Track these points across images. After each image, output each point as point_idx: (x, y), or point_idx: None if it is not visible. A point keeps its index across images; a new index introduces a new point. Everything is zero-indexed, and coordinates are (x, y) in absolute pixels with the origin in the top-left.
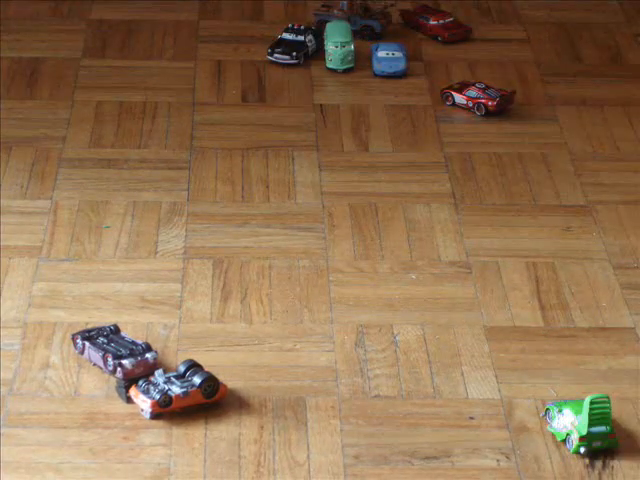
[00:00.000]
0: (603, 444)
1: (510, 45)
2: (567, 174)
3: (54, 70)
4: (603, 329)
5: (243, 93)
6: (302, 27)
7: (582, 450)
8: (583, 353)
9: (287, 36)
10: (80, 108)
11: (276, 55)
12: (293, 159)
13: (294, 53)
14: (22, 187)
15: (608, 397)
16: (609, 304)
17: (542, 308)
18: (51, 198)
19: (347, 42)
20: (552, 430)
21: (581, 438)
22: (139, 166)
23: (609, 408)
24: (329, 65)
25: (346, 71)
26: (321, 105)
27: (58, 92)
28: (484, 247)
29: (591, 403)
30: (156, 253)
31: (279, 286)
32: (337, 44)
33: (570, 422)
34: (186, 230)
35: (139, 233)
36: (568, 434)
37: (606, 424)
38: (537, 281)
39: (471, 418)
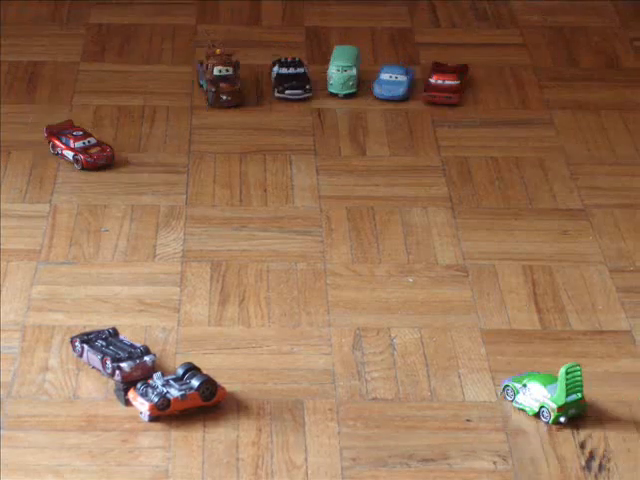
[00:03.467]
0: (577, 411)
1: (507, 49)
2: (563, 178)
3: (53, 74)
4: (599, 332)
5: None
6: (296, 59)
7: (562, 420)
8: (579, 356)
9: (285, 71)
10: (79, 112)
11: (288, 92)
12: (291, 163)
13: (307, 86)
14: (21, 191)
15: (579, 365)
16: (605, 307)
17: (539, 311)
18: (50, 202)
19: (349, 66)
20: (520, 406)
21: (559, 408)
22: (138, 170)
23: (581, 375)
24: (330, 89)
25: (347, 96)
26: (319, 109)
27: (57, 96)
28: (481, 250)
29: (566, 373)
30: (155, 256)
31: (277, 289)
32: (338, 68)
33: (542, 395)
34: (184, 233)
35: (137, 236)
36: (542, 406)
37: (579, 391)
38: (534, 284)
39: (468, 420)
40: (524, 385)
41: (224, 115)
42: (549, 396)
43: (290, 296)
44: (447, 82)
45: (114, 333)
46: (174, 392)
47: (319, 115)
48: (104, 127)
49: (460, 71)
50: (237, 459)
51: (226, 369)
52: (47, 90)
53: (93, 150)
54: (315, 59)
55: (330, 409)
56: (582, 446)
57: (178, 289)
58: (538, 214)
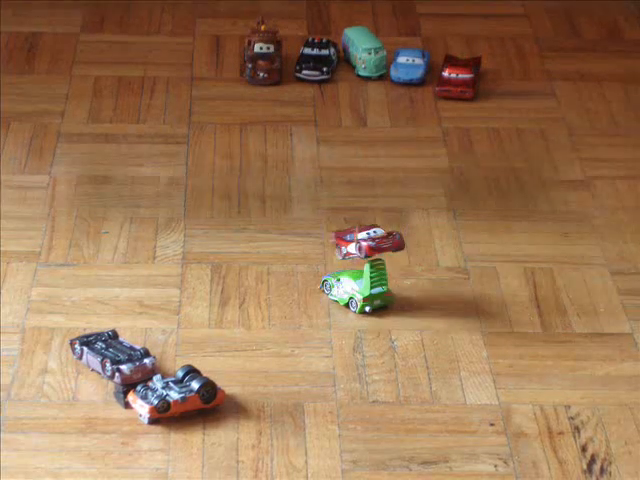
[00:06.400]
0: (382, 302)
1: (508, 20)
2: (565, 149)
3: (53, 45)
4: (601, 335)
5: (241, 68)
6: (323, 40)
7: (367, 309)
8: (581, 359)
9: (309, 51)
10: (78, 83)
11: (305, 72)
12: (291, 134)
13: (325, 68)
14: (20, 162)
15: (383, 260)
16: (607, 310)
17: (540, 314)
18: (49, 173)
19: (380, 48)
20: (334, 298)
21: (365, 299)
22: (137, 140)
23: (385, 270)
24: (362, 73)
25: (380, 77)
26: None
27: (56, 67)
28: (482, 252)
29: (370, 267)
30: (154, 258)
31: (277, 291)
32: (370, 51)
33: (350, 287)
34: (184, 235)
35: (137, 238)
36: (351, 298)
37: (383, 285)
38: (535, 287)
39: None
40: (338, 279)
41: (224, 86)
42: (357, 289)
43: (290, 298)
44: (460, 76)
45: (114, 335)
46: (174, 394)
47: (320, 86)
48: (104, 98)
49: (473, 64)
50: (237, 462)
51: (226, 371)
52: (46, 61)
53: (378, 237)
54: (316, 31)
55: (331, 412)
56: (583, 449)
57: (178, 291)
58: (539, 215)
